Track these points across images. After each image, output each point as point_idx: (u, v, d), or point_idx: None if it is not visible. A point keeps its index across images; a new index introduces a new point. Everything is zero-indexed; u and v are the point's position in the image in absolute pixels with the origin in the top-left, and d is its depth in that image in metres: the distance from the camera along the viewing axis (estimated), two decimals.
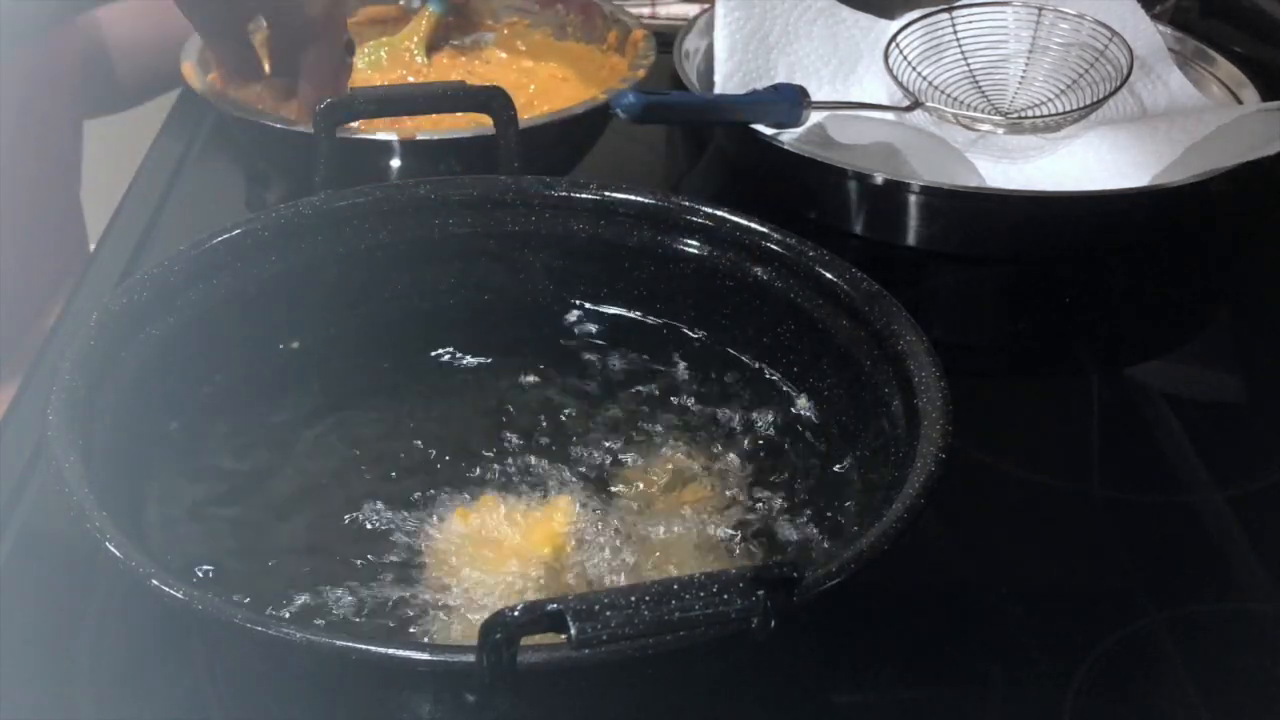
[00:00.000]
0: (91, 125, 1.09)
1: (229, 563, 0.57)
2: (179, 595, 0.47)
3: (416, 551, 0.58)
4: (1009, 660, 0.61)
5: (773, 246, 0.67)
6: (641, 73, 0.91)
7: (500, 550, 0.57)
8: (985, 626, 0.63)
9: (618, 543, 0.58)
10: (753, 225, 0.68)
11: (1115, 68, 0.96)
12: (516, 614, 0.43)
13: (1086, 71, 0.97)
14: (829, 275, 0.65)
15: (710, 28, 0.98)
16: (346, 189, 0.68)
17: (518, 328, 0.70)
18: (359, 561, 0.57)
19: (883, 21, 1.02)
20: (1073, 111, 0.95)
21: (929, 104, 0.96)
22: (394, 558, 0.57)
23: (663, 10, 1.12)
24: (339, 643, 0.46)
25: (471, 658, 0.44)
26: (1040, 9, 1.00)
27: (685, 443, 0.64)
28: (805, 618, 0.48)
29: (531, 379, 0.68)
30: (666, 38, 0.97)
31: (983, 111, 0.97)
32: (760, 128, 0.88)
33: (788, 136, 0.90)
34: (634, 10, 1.05)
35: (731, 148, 0.96)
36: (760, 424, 0.65)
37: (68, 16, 0.95)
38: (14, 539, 0.63)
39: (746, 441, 0.64)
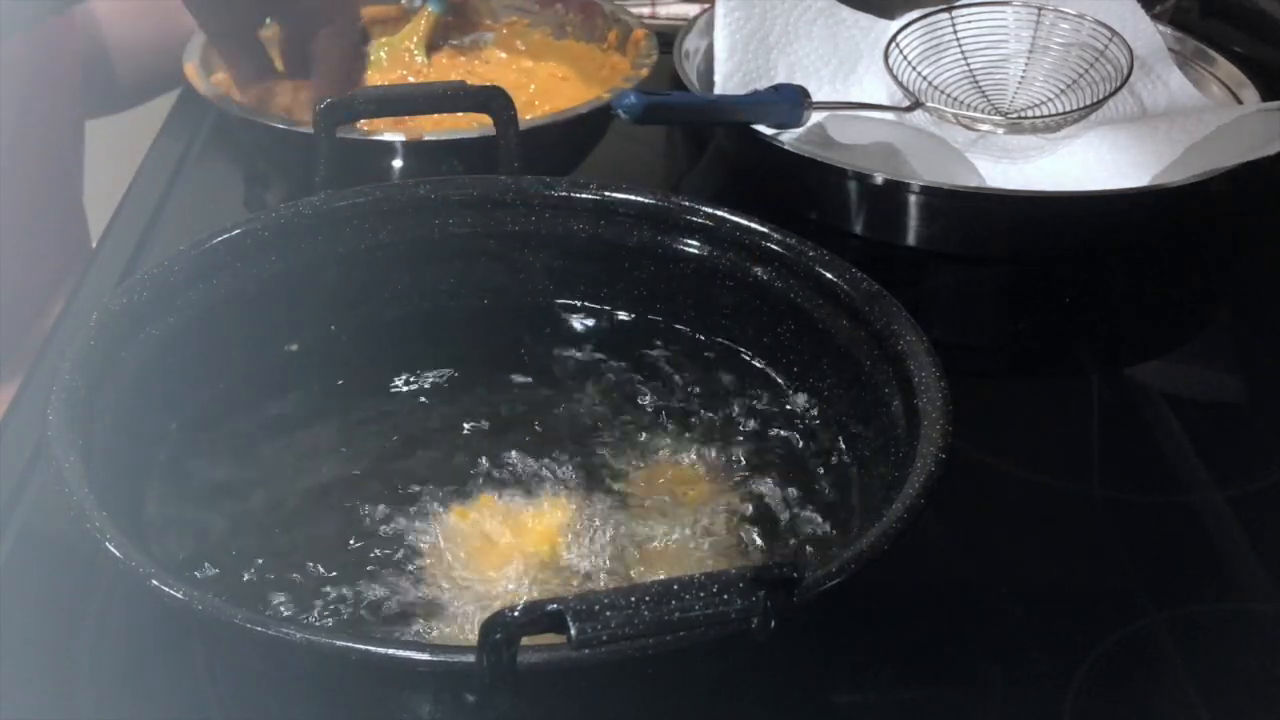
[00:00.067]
0: (91, 125, 1.09)
1: (229, 563, 0.57)
2: (179, 595, 0.47)
3: (415, 551, 0.58)
4: (1009, 660, 0.61)
5: (773, 246, 0.67)
6: (644, 72, 0.91)
7: (498, 549, 0.58)
8: (985, 626, 0.63)
9: (616, 542, 0.58)
10: (753, 225, 0.68)
11: (1115, 68, 0.96)
12: (516, 614, 0.43)
13: (1086, 71, 0.97)
14: (829, 275, 0.65)
15: (710, 28, 0.98)
16: (346, 189, 0.68)
17: (517, 328, 0.70)
18: (358, 561, 0.57)
19: (883, 21, 1.02)
20: (1073, 111, 0.95)
21: (929, 104, 0.96)
22: (392, 557, 0.57)
23: (663, 10, 1.12)
24: (339, 643, 0.46)
25: (471, 658, 0.44)
26: (1040, 9, 1.00)
27: (685, 442, 0.64)
28: (805, 618, 0.48)
29: (530, 379, 0.68)
30: (666, 38, 0.97)
31: (983, 111, 0.97)
32: (760, 128, 0.88)
33: (788, 136, 0.90)
34: (634, 11, 1.05)
35: (731, 148, 0.96)
36: (760, 424, 0.65)
37: (62, 10, 0.95)
38: (14, 539, 0.63)
39: (746, 441, 0.64)
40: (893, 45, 0.98)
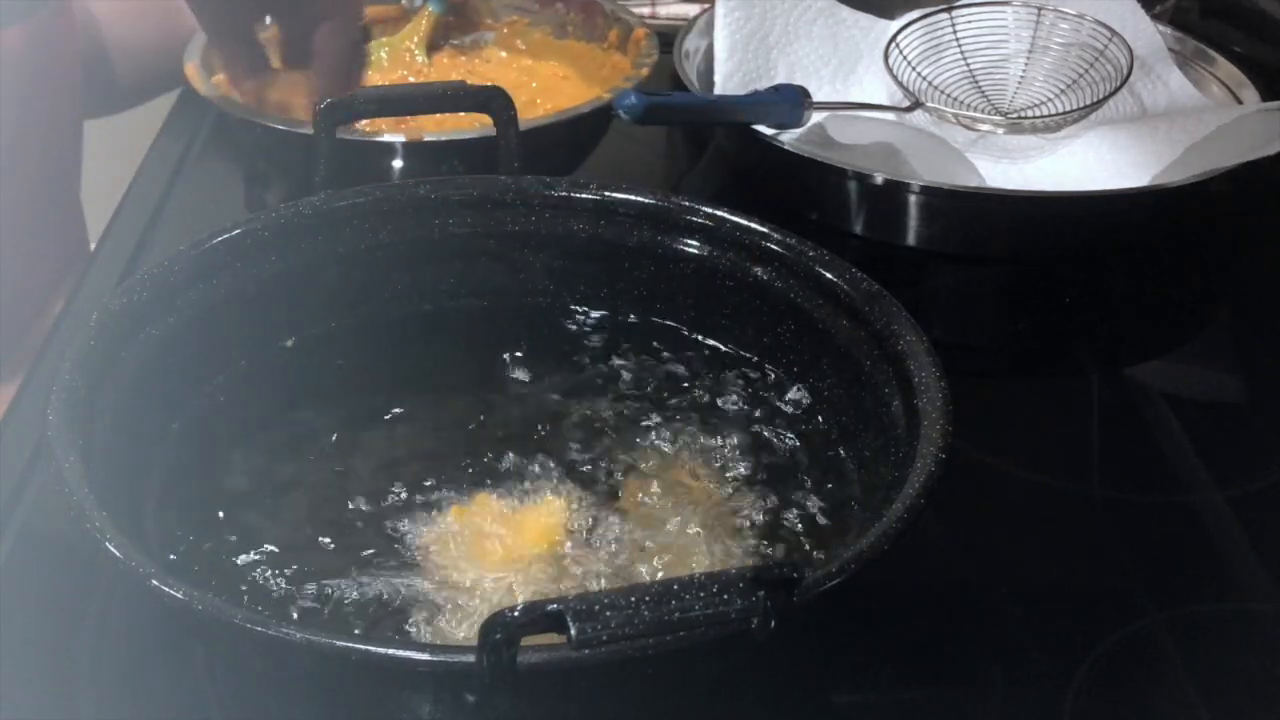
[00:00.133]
0: (91, 125, 1.09)
1: (228, 562, 0.57)
2: (179, 595, 0.47)
3: (414, 550, 0.58)
4: (1009, 660, 0.61)
5: (773, 246, 0.67)
6: (645, 71, 0.91)
7: (496, 548, 0.58)
8: (985, 626, 0.63)
9: (614, 542, 0.58)
10: (753, 225, 0.68)
11: (1115, 68, 0.96)
12: (516, 614, 0.43)
13: (1086, 71, 0.97)
14: (829, 275, 0.65)
15: (710, 28, 0.98)
16: (346, 189, 0.68)
17: (517, 328, 0.70)
18: (357, 560, 0.57)
19: (883, 21, 1.02)
20: (1073, 111, 0.95)
21: (929, 104, 0.96)
22: (391, 556, 0.57)
23: (663, 10, 1.12)
24: (339, 643, 0.46)
25: (471, 658, 0.44)
26: (1040, 9, 1.00)
27: (684, 442, 0.64)
28: (805, 618, 0.48)
29: (530, 379, 0.68)
30: (667, 38, 0.97)
31: (983, 111, 0.97)
32: (760, 128, 0.88)
33: (788, 136, 0.90)
34: (634, 10, 1.05)
35: (732, 148, 0.96)
36: (759, 424, 0.65)
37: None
38: (14, 539, 0.63)
39: (745, 441, 0.64)
40: (893, 45, 0.98)
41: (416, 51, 0.98)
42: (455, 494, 0.60)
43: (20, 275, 0.95)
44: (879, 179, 0.84)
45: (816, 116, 0.90)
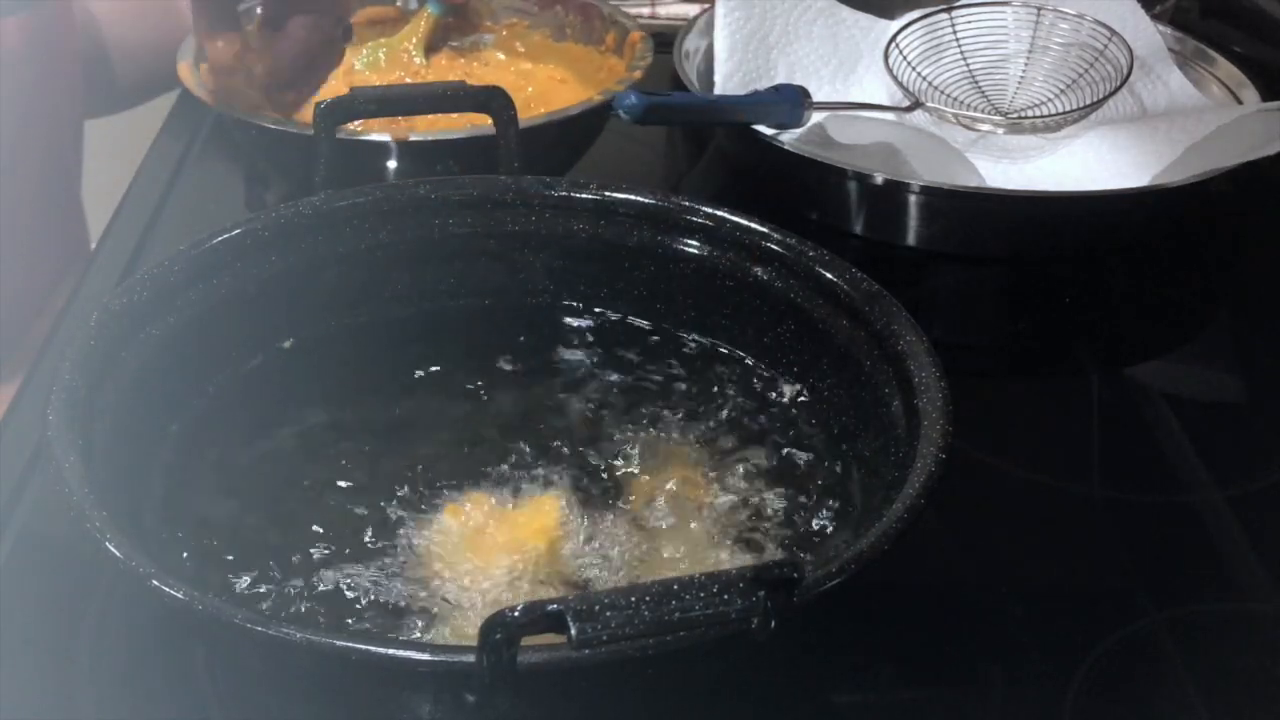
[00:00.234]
0: (91, 125, 1.09)
1: (228, 562, 0.57)
2: (179, 595, 0.47)
3: (411, 549, 0.58)
4: (1009, 660, 0.61)
5: (773, 246, 0.67)
6: (639, 74, 0.91)
7: (493, 546, 0.58)
8: (985, 626, 0.63)
9: (613, 540, 0.58)
10: (753, 225, 0.68)
11: (1115, 68, 0.96)
12: (517, 614, 0.43)
13: (1086, 71, 0.97)
14: (829, 275, 0.65)
15: (710, 28, 0.98)
16: (346, 189, 0.68)
17: (517, 327, 0.70)
18: (356, 559, 0.57)
19: (883, 21, 1.02)
20: (1073, 111, 0.95)
21: (929, 104, 0.96)
22: (390, 556, 0.57)
23: (662, 10, 1.12)
24: (339, 643, 0.46)
25: (472, 658, 0.44)
26: (1040, 9, 1.00)
27: (683, 441, 0.64)
28: (805, 618, 0.48)
29: (529, 379, 0.68)
30: (666, 38, 0.97)
31: (983, 111, 0.97)
32: (760, 128, 0.88)
33: (788, 137, 0.90)
34: (633, 10, 1.05)
35: (731, 148, 0.96)
36: (759, 424, 0.65)
37: None
38: (14, 539, 0.63)
39: (745, 441, 0.64)
40: (893, 45, 0.98)
41: (414, 53, 0.98)
42: (455, 494, 0.60)
43: (20, 275, 0.95)
44: (879, 179, 0.84)
45: (816, 116, 0.90)
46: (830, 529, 0.60)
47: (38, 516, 0.64)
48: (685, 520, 0.60)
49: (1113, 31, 0.97)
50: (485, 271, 0.71)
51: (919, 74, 0.98)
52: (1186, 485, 0.72)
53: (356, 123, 0.78)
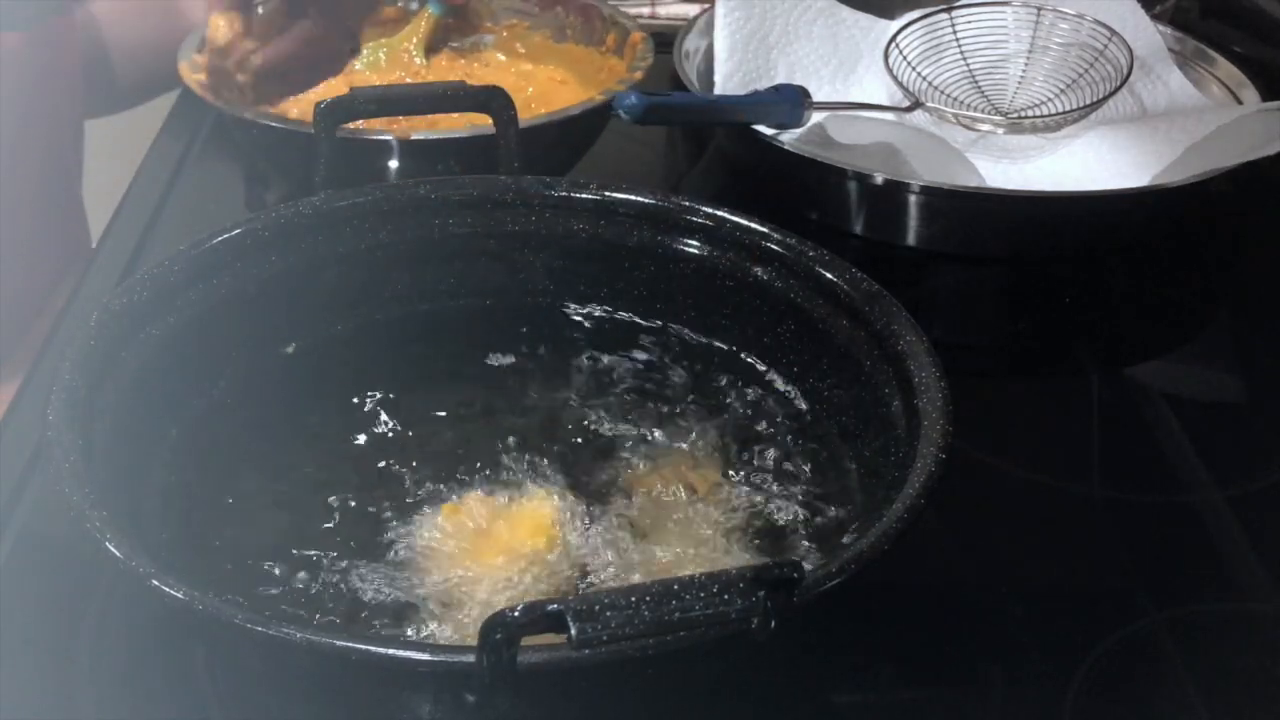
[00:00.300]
0: (91, 125, 1.09)
1: (228, 561, 0.57)
2: (179, 595, 0.47)
3: (410, 549, 0.58)
4: (1009, 660, 0.61)
5: (773, 246, 0.67)
6: (639, 74, 0.91)
7: (492, 546, 0.58)
8: (985, 626, 0.63)
9: (611, 539, 0.58)
10: (753, 225, 0.68)
11: (1115, 68, 0.96)
12: (517, 614, 0.43)
13: (1086, 71, 0.97)
14: (829, 275, 0.65)
15: (710, 28, 0.98)
16: (346, 189, 0.68)
17: (517, 327, 0.70)
18: (356, 559, 0.57)
19: (883, 21, 1.02)
20: (1073, 111, 0.95)
21: (929, 104, 0.96)
22: (389, 555, 0.57)
23: (663, 10, 1.12)
24: (339, 643, 0.46)
25: (472, 658, 0.44)
26: (1040, 9, 1.00)
27: (683, 441, 0.64)
28: (805, 618, 0.48)
29: (529, 378, 0.68)
30: (666, 38, 0.97)
31: (983, 111, 0.97)
32: (760, 128, 0.88)
33: (788, 137, 0.90)
34: (633, 11, 1.05)
35: (731, 148, 0.96)
36: (759, 423, 0.65)
37: (62, 11, 0.96)
38: (14, 539, 0.63)
39: (744, 440, 0.64)
40: (893, 45, 0.98)
41: (415, 53, 0.98)
42: (455, 493, 0.60)
43: (21, 275, 0.95)
44: (879, 179, 0.84)
45: (816, 116, 0.90)
46: (830, 529, 0.60)
47: (38, 516, 0.64)
48: (684, 520, 0.60)
49: (1113, 31, 0.97)
50: (485, 271, 0.71)
51: (919, 74, 0.98)
52: (1186, 485, 0.72)
53: (358, 122, 0.78)
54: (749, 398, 0.67)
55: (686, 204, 0.69)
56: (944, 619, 0.63)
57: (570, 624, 0.42)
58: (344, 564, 0.57)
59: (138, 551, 0.49)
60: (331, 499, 0.60)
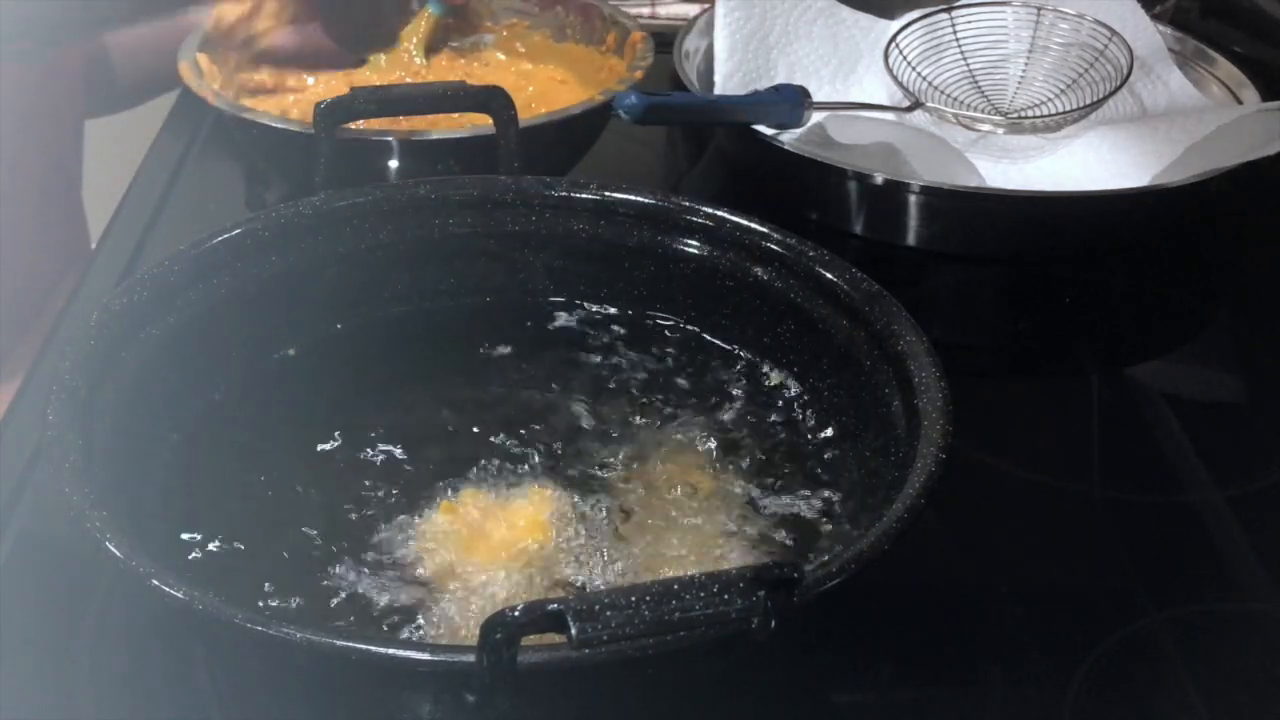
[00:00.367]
0: (91, 125, 1.09)
1: (228, 561, 0.57)
2: (179, 595, 0.47)
3: (409, 547, 0.58)
4: (1009, 660, 0.61)
5: (773, 246, 0.67)
6: (639, 74, 0.91)
7: (490, 544, 0.58)
8: (985, 626, 0.63)
9: (611, 538, 0.58)
10: (753, 225, 0.68)
11: (1115, 68, 0.96)
12: (517, 614, 0.43)
13: (1086, 71, 0.97)
14: (829, 275, 0.65)
15: (710, 28, 0.98)
16: (346, 189, 0.68)
17: (517, 327, 0.70)
18: (355, 558, 0.57)
19: (883, 21, 1.02)
20: (1073, 111, 0.95)
21: (929, 104, 0.96)
22: (387, 554, 0.57)
23: (663, 10, 1.12)
24: (339, 643, 0.46)
25: (472, 658, 0.44)
26: (1040, 9, 1.00)
27: (682, 440, 0.64)
28: (805, 618, 0.48)
29: (529, 378, 0.68)
30: (666, 38, 0.97)
31: (983, 111, 0.97)
32: (760, 128, 0.88)
33: (788, 137, 0.90)
34: (633, 11, 1.05)
35: (731, 148, 0.96)
36: (759, 423, 0.65)
37: (89, 39, 0.96)
38: (14, 539, 0.63)
39: (744, 440, 0.64)
40: (893, 45, 0.98)
41: (415, 53, 0.98)
42: (452, 491, 0.60)
43: (20, 275, 0.95)
44: (879, 179, 0.84)
45: (816, 116, 0.90)
46: (830, 528, 0.60)
47: (38, 516, 0.64)
48: (683, 519, 0.60)
49: (1113, 31, 0.97)
50: (485, 271, 0.71)
51: (919, 74, 0.98)
52: (1186, 485, 0.72)
53: (358, 122, 0.78)
54: (748, 397, 0.67)
55: (686, 204, 0.69)
56: (944, 619, 0.63)
57: (570, 624, 0.42)
58: (343, 563, 0.57)
59: (138, 551, 0.49)
60: (331, 498, 0.60)
